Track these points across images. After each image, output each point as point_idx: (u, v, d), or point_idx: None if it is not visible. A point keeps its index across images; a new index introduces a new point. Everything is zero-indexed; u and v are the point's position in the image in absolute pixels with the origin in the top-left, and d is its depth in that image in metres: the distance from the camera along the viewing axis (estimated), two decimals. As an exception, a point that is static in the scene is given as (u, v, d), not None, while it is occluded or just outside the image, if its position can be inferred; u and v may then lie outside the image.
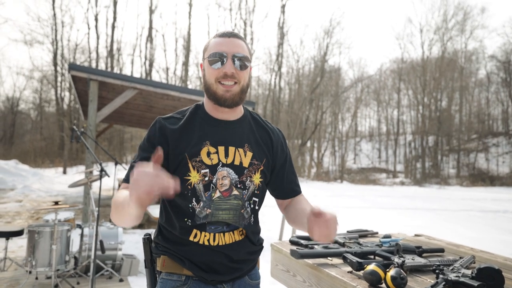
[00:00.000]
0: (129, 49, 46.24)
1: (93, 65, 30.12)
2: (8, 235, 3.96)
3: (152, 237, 1.35)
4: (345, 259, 1.33)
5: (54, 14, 29.31)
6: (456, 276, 1.12)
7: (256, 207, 1.31)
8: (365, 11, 68.02)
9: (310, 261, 1.44)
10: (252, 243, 1.32)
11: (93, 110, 6.40)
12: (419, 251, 1.50)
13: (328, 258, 1.46)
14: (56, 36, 29.30)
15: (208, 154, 1.24)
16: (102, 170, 3.63)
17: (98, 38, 30.67)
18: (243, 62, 1.24)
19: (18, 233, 4.03)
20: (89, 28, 31.01)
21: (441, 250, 1.59)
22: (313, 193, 16.25)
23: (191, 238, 1.22)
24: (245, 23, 31.69)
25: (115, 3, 30.65)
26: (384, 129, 40.41)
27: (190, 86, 31.99)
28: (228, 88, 1.23)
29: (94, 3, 31.29)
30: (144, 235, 1.34)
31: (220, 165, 1.24)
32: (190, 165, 1.21)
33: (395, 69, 38.16)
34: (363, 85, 38.20)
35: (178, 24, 56.77)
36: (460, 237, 7.38)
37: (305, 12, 51.64)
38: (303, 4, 50.83)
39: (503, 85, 34.77)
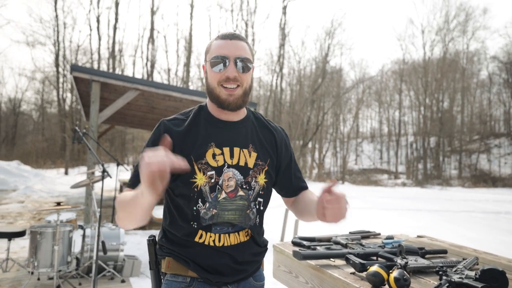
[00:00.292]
0: (130, 50, 46.43)
1: (95, 66, 30.17)
2: (10, 236, 3.95)
3: (157, 239, 1.34)
4: (347, 260, 1.32)
5: (56, 16, 29.39)
6: (460, 278, 1.11)
7: (261, 208, 1.31)
8: (367, 12, 68.07)
9: (312, 262, 1.43)
10: (257, 244, 1.32)
11: (95, 111, 6.42)
12: (422, 252, 1.49)
13: (331, 259, 1.46)
14: (58, 37, 29.39)
15: (214, 155, 1.23)
16: (104, 171, 3.64)
17: (100, 39, 30.76)
18: (246, 64, 1.23)
19: (20, 234, 4.03)
20: (91, 30, 31.06)
21: (444, 252, 1.58)
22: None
23: (196, 239, 1.22)
24: (246, 24, 31.73)
25: (116, 5, 30.73)
26: (386, 130, 40.38)
27: (191, 87, 32.04)
28: (231, 92, 1.23)
29: (96, 4, 31.33)
30: (149, 237, 1.34)
31: (226, 166, 1.23)
32: (196, 167, 1.21)
33: (396, 70, 38.11)
34: (364, 86, 38.18)
35: (180, 25, 56.73)
36: (461, 238, 7.36)
37: (306, 13, 51.75)
38: (304, 5, 50.93)
39: (505, 86, 34.73)
